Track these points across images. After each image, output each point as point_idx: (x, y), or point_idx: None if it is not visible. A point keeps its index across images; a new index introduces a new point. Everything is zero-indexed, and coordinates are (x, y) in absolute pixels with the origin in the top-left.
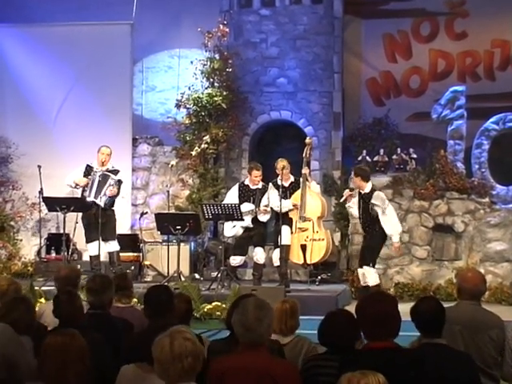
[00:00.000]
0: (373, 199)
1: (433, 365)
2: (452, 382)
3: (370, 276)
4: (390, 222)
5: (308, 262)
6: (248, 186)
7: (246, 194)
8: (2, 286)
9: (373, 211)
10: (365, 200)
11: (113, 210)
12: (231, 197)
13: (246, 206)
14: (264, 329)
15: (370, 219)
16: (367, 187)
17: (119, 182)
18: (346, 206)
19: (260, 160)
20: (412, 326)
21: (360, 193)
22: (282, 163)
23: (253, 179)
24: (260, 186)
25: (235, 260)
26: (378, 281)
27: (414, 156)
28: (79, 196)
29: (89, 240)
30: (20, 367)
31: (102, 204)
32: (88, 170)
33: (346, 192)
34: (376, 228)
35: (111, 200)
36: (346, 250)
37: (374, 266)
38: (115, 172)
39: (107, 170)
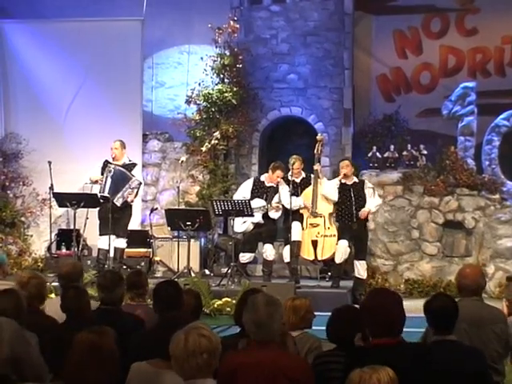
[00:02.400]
0: (367, 185)
1: (446, 361)
2: (465, 378)
3: (364, 269)
4: (376, 199)
5: (319, 258)
6: (263, 182)
7: (260, 191)
8: (23, 277)
9: (362, 199)
10: (356, 188)
11: (130, 206)
12: (244, 190)
13: (257, 202)
14: (276, 325)
15: (361, 208)
16: (354, 179)
17: (139, 185)
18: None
19: (270, 156)
20: (422, 322)
21: (345, 183)
22: (294, 160)
23: (273, 178)
24: (275, 185)
25: (244, 256)
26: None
27: (425, 152)
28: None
29: (101, 233)
30: (25, 363)
31: (118, 204)
32: (104, 165)
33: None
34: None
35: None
36: None
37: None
38: (132, 166)
39: (123, 165)
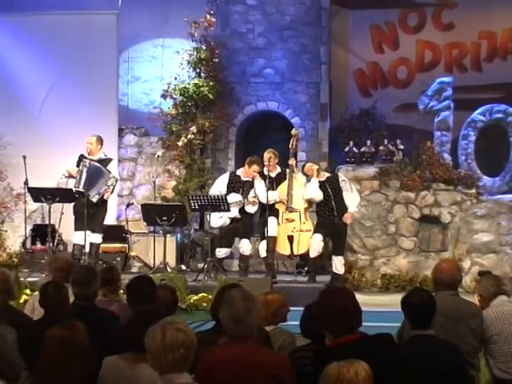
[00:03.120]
0: (341, 178)
1: (424, 357)
2: (443, 373)
3: (341, 264)
4: (354, 196)
5: (295, 252)
6: (239, 176)
7: (236, 185)
8: None
9: (339, 193)
10: (331, 183)
11: (105, 201)
12: (220, 185)
13: (233, 197)
14: (253, 319)
15: (340, 201)
16: (326, 174)
17: (116, 182)
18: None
19: (247, 151)
20: (398, 317)
21: (319, 181)
22: (269, 154)
23: (249, 172)
24: (251, 179)
25: (221, 252)
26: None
27: (401, 147)
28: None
29: (76, 228)
30: (1, 359)
31: (94, 201)
32: (80, 159)
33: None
34: (343, 210)
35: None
36: None
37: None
38: (107, 161)
39: (99, 160)
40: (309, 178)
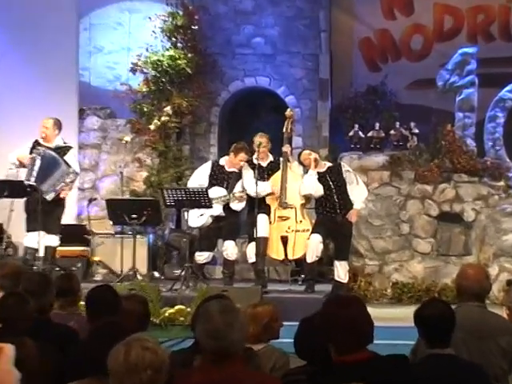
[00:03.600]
0: (345, 169)
1: (441, 380)
2: None
3: (345, 271)
4: (361, 190)
5: (290, 257)
6: (223, 167)
7: (219, 177)
8: None
9: (342, 186)
10: (333, 174)
11: (62, 198)
12: (201, 176)
13: (217, 191)
14: (236, 335)
15: (343, 196)
16: (326, 164)
17: (76, 176)
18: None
19: (232, 136)
20: (412, 333)
21: (318, 172)
22: (259, 139)
23: (235, 162)
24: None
25: (201, 256)
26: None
27: (416, 131)
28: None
29: (28, 229)
30: None
31: (48, 199)
32: (33, 146)
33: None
34: (347, 207)
35: None
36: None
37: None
38: (66, 149)
39: (56, 148)
40: (306, 169)
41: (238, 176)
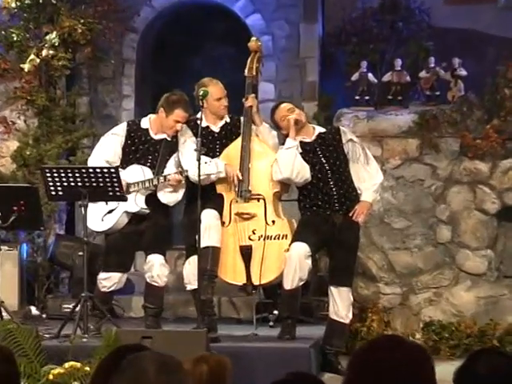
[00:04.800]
0: (346, 137)
1: None
2: None
3: (347, 303)
4: (372, 172)
5: (255, 281)
6: (147, 130)
7: (140, 149)
8: None
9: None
10: (326, 145)
11: None
12: (107, 149)
13: (136, 173)
14: None
15: (344, 181)
16: (317, 129)
17: None
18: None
19: (159, 83)
20: None
21: (303, 142)
22: (206, 88)
23: (166, 124)
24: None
25: (108, 280)
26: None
27: (463, 72)
28: None
29: None
30: None
31: None
32: None
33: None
34: (351, 199)
35: None
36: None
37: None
38: None
39: None
40: (283, 137)
41: (172, 148)
